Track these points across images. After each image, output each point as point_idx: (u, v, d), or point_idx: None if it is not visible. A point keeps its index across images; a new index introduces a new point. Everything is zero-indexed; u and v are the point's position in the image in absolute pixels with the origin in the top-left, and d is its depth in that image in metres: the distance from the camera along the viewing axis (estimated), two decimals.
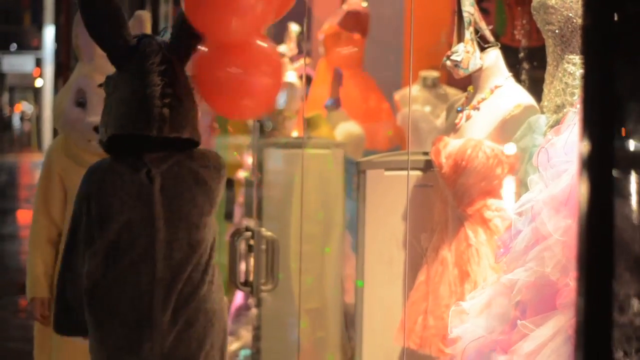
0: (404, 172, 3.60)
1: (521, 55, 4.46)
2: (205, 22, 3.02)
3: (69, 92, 4.05)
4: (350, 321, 4.86)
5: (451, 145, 3.55)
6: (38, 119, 33.31)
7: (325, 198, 5.06)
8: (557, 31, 3.25)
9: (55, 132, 4.29)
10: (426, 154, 3.73)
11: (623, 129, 1.52)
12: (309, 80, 6.52)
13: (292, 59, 6.93)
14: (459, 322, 3.01)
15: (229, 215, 6.31)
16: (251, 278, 4.34)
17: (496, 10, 5.05)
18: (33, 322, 4.12)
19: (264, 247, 4.30)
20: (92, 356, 3.07)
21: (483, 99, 3.58)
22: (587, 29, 1.52)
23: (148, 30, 4.00)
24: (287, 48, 6.98)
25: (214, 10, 2.97)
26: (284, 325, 5.01)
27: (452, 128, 3.67)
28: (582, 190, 1.47)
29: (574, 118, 2.88)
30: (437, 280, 3.52)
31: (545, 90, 3.35)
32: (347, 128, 5.96)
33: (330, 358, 5.13)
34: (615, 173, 1.49)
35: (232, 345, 5.69)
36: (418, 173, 3.74)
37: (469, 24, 3.53)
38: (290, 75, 6.52)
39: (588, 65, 1.51)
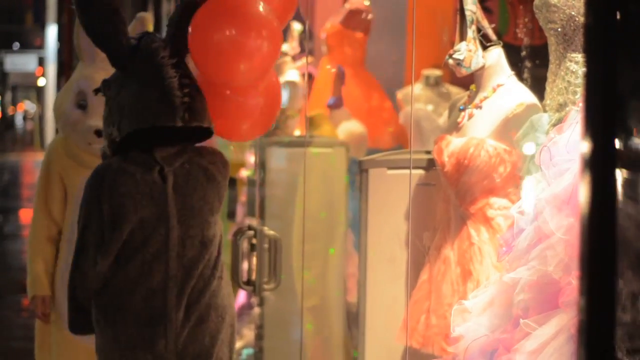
0: (407, 171, 3.60)
1: (523, 53, 4.46)
2: (212, 68, 3.06)
3: (70, 92, 4.05)
4: (352, 320, 4.86)
5: (453, 143, 3.55)
6: (41, 118, 33.32)
7: (328, 197, 5.06)
8: (559, 29, 3.25)
9: (57, 132, 4.29)
10: (429, 152, 3.73)
11: (625, 127, 1.52)
12: (311, 78, 6.52)
13: (295, 58, 6.93)
14: (462, 321, 3.01)
15: (231, 214, 6.31)
16: (254, 277, 4.34)
17: (499, 9, 5.04)
18: (35, 320, 4.13)
19: (266, 246, 4.30)
20: (101, 356, 3.07)
21: (485, 98, 3.58)
22: (589, 27, 1.52)
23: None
24: (289, 47, 6.98)
25: (221, 57, 3.02)
26: (287, 324, 5.01)
27: (454, 127, 3.66)
28: (584, 188, 1.47)
29: (576, 116, 2.88)
30: (439, 279, 3.52)
31: (548, 89, 3.35)
32: (349, 127, 5.96)
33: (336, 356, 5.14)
34: (617, 171, 1.49)
35: (235, 344, 5.69)
36: (420, 172, 3.74)
37: (472, 22, 3.53)
38: (293, 74, 6.52)
39: (590, 63, 1.51)
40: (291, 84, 6.35)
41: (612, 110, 1.49)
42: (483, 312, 2.96)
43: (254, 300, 5.26)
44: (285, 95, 6.25)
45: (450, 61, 3.54)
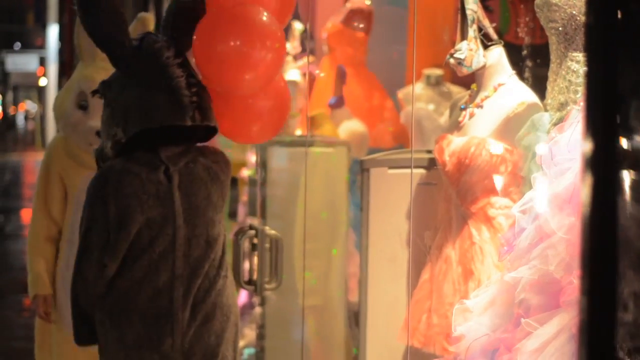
0: (408, 170, 3.60)
1: (524, 52, 4.46)
2: (217, 77, 3.08)
3: (70, 93, 4.04)
4: (354, 319, 4.86)
5: (454, 143, 3.55)
6: (42, 118, 33.34)
7: (329, 196, 5.05)
8: (560, 29, 3.24)
9: (58, 131, 4.28)
10: (430, 152, 3.73)
11: (626, 127, 1.52)
12: (312, 78, 6.52)
13: (296, 57, 6.93)
14: (463, 321, 3.01)
15: (232, 214, 6.31)
16: (255, 277, 4.34)
17: (500, 8, 5.04)
18: (35, 320, 4.12)
19: (267, 245, 4.30)
20: (105, 356, 3.06)
21: (486, 97, 3.58)
22: (590, 26, 1.52)
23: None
24: (290, 46, 6.97)
25: (226, 67, 3.03)
26: (288, 324, 5.01)
27: (455, 126, 3.66)
28: (585, 187, 1.47)
29: (577, 116, 2.87)
30: (440, 278, 3.52)
31: (549, 88, 3.34)
32: (350, 126, 5.96)
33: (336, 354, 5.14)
34: (618, 171, 1.49)
35: (239, 344, 5.69)
36: (421, 171, 3.74)
37: (473, 21, 3.53)
38: (294, 74, 6.52)
39: (591, 62, 1.51)
40: (292, 84, 6.34)
41: (613, 110, 1.49)
42: (484, 312, 2.96)
43: (255, 299, 5.26)
44: (290, 100, 6.25)
45: (451, 60, 3.54)
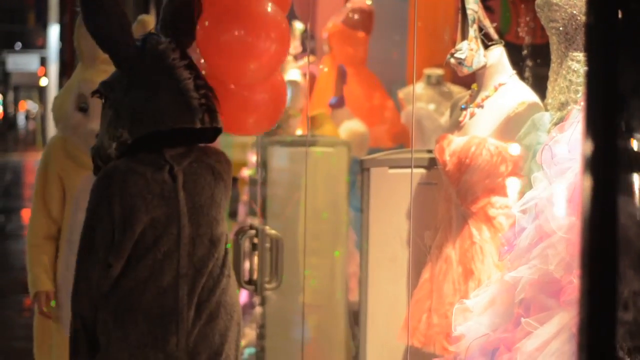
0: (408, 170, 3.60)
1: (525, 52, 4.46)
2: (221, 67, 3.10)
3: (70, 94, 4.03)
4: (354, 319, 4.86)
5: (455, 142, 3.55)
6: (43, 118, 33.34)
7: (330, 196, 5.05)
8: (561, 28, 3.24)
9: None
10: (430, 151, 3.73)
11: (627, 126, 1.52)
12: (312, 78, 6.52)
13: (296, 57, 6.93)
14: (463, 320, 3.01)
15: (233, 214, 6.31)
16: (255, 276, 4.34)
17: (500, 8, 5.04)
18: (34, 320, 4.12)
19: (268, 245, 4.30)
20: (107, 356, 3.04)
21: (487, 97, 3.57)
22: (591, 26, 1.52)
23: None
24: (291, 46, 6.97)
25: (231, 56, 3.05)
26: (289, 324, 5.01)
27: (456, 126, 3.66)
28: (585, 187, 1.47)
29: (577, 115, 2.88)
30: (441, 278, 3.52)
31: (549, 88, 3.34)
32: (351, 126, 5.96)
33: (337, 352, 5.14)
34: (618, 170, 1.48)
35: (241, 343, 5.69)
36: (422, 171, 3.74)
37: (473, 21, 3.53)
38: (294, 74, 6.52)
39: (591, 62, 1.51)
40: (293, 84, 6.34)
41: (614, 109, 1.49)
42: (484, 311, 2.96)
43: (256, 299, 5.26)
44: (286, 94, 6.25)
45: (452, 60, 3.54)
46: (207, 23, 3.08)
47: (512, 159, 3.44)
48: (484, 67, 3.56)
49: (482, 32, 3.57)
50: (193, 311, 3.00)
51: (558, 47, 3.29)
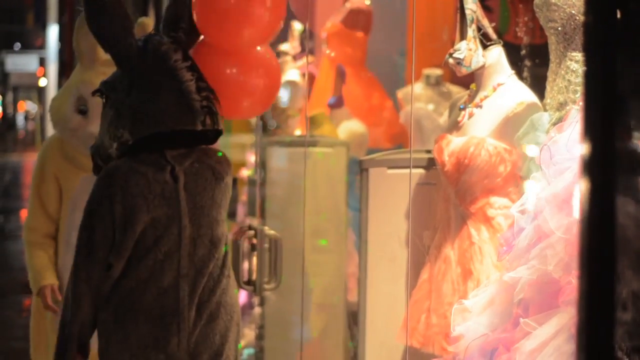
0: (407, 170, 3.60)
1: (523, 52, 4.46)
2: (215, 31, 3.10)
3: (69, 96, 4.02)
4: (353, 319, 4.86)
5: (454, 143, 3.55)
6: (42, 118, 33.33)
7: (329, 197, 5.05)
8: (559, 28, 3.24)
9: None
10: (429, 151, 3.73)
11: (625, 126, 1.52)
12: (311, 78, 6.53)
13: (295, 57, 6.93)
14: (462, 320, 3.01)
15: (231, 214, 6.31)
16: (254, 277, 4.34)
17: (499, 8, 5.04)
18: (30, 321, 4.11)
19: (267, 245, 4.29)
20: (107, 357, 3.03)
21: (486, 97, 3.57)
22: (589, 25, 1.52)
23: None
24: (290, 46, 6.98)
25: (226, 20, 3.06)
26: (288, 324, 5.01)
27: (454, 126, 3.66)
28: (584, 187, 1.47)
29: (576, 115, 2.87)
30: (440, 278, 3.51)
31: (548, 88, 3.34)
32: (350, 126, 5.96)
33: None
34: (617, 170, 1.48)
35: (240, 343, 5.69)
36: (421, 171, 3.74)
37: (472, 21, 3.52)
38: (293, 74, 6.52)
39: (590, 62, 1.51)
40: (292, 84, 6.35)
41: (612, 109, 1.49)
42: (483, 312, 2.96)
43: (255, 300, 5.26)
44: (285, 94, 6.26)
45: (451, 60, 3.54)
46: None
47: (511, 159, 3.44)
48: (482, 67, 3.56)
49: (481, 32, 3.56)
50: (194, 312, 3.00)
51: (557, 47, 3.29)
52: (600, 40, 1.49)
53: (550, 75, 3.34)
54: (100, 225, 2.97)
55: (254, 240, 4.30)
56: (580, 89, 3.15)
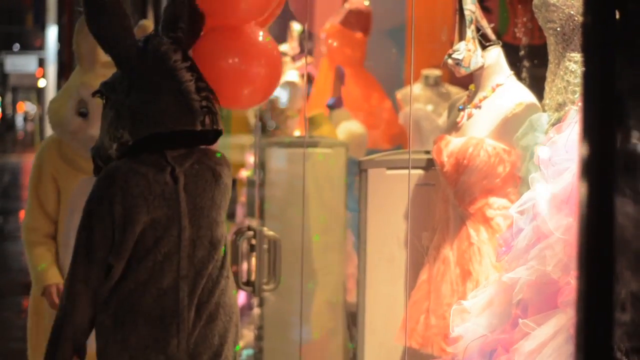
0: (406, 171, 3.60)
1: (522, 53, 4.46)
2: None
3: (69, 99, 4.01)
4: (352, 320, 4.86)
5: (453, 143, 3.54)
6: (41, 119, 33.31)
7: (328, 197, 5.06)
8: (558, 29, 3.24)
9: None
10: (428, 152, 3.73)
11: (623, 127, 1.52)
12: (310, 79, 6.53)
13: (294, 58, 6.93)
14: (461, 321, 3.01)
15: (231, 215, 6.31)
16: (253, 278, 4.34)
17: (498, 9, 5.04)
18: (27, 322, 4.10)
19: (266, 246, 4.29)
20: (106, 359, 3.03)
21: (485, 97, 3.57)
22: (588, 26, 1.51)
23: None
24: (289, 47, 6.98)
25: None
26: (287, 325, 5.01)
27: (453, 126, 3.66)
28: (582, 188, 1.47)
29: (575, 116, 2.87)
30: (438, 279, 3.51)
31: (547, 88, 3.34)
32: (349, 127, 5.97)
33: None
34: (615, 171, 1.48)
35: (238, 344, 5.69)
36: (420, 172, 3.74)
37: (471, 22, 3.52)
38: (292, 75, 6.52)
39: (588, 63, 1.50)
40: (291, 85, 6.35)
41: (611, 110, 1.49)
42: (482, 312, 2.96)
43: (254, 300, 5.26)
44: (285, 95, 6.26)
45: (450, 61, 3.54)
46: None
47: (510, 159, 3.44)
48: (481, 67, 3.56)
49: (480, 33, 3.56)
50: (193, 313, 3.00)
51: (555, 48, 3.29)
52: (599, 40, 1.49)
53: (549, 75, 3.34)
54: (99, 225, 2.97)
55: (253, 241, 4.30)
56: (579, 90, 3.15)
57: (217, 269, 3.05)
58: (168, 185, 3.00)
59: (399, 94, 6.16)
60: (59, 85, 24.73)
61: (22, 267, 10.22)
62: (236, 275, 4.18)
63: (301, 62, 6.82)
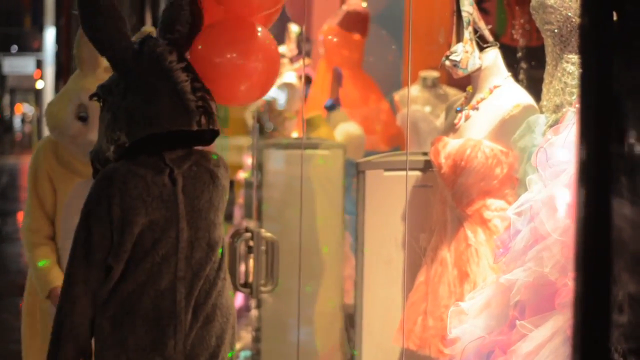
0: (403, 173, 3.60)
1: (520, 55, 4.46)
2: None
3: (68, 103, 4.00)
4: (349, 322, 4.86)
5: (450, 145, 3.55)
6: (39, 121, 33.30)
7: (325, 199, 5.05)
8: (556, 30, 3.24)
9: None
10: (425, 154, 3.73)
11: (621, 128, 1.52)
12: (308, 80, 6.52)
13: (292, 60, 6.93)
14: (458, 323, 3.01)
15: (228, 217, 6.30)
16: (251, 279, 4.34)
17: (496, 10, 5.04)
18: (21, 324, 4.10)
19: (263, 248, 4.29)
20: None
21: (482, 99, 3.57)
22: (585, 27, 1.51)
23: None
24: (286, 49, 6.97)
25: None
26: (284, 327, 5.00)
27: (451, 128, 3.66)
28: (580, 190, 1.47)
29: (572, 117, 2.87)
30: (436, 280, 3.51)
31: (544, 90, 3.34)
32: (346, 129, 5.96)
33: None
34: (612, 173, 1.48)
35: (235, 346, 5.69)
36: (417, 173, 3.74)
37: (468, 23, 3.53)
38: (290, 76, 6.52)
39: (586, 64, 1.50)
40: (288, 86, 6.34)
41: (608, 111, 1.49)
42: (480, 314, 2.96)
43: (251, 302, 5.25)
44: (282, 97, 6.26)
45: (447, 62, 3.54)
46: None
47: (507, 161, 3.44)
48: (479, 69, 3.56)
49: (477, 35, 3.57)
50: (190, 314, 3.00)
51: (553, 50, 3.29)
52: (596, 42, 1.49)
53: (546, 77, 3.35)
54: (97, 226, 2.97)
55: (251, 243, 4.29)
56: (576, 91, 3.15)
57: (214, 271, 3.06)
58: (166, 187, 3.01)
59: (397, 96, 6.16)
60: (56, 87, 24.73)
61: (20, 268, 10.22)
62: (234, 276, 4.18)
63: (299, 63, 6.82)
